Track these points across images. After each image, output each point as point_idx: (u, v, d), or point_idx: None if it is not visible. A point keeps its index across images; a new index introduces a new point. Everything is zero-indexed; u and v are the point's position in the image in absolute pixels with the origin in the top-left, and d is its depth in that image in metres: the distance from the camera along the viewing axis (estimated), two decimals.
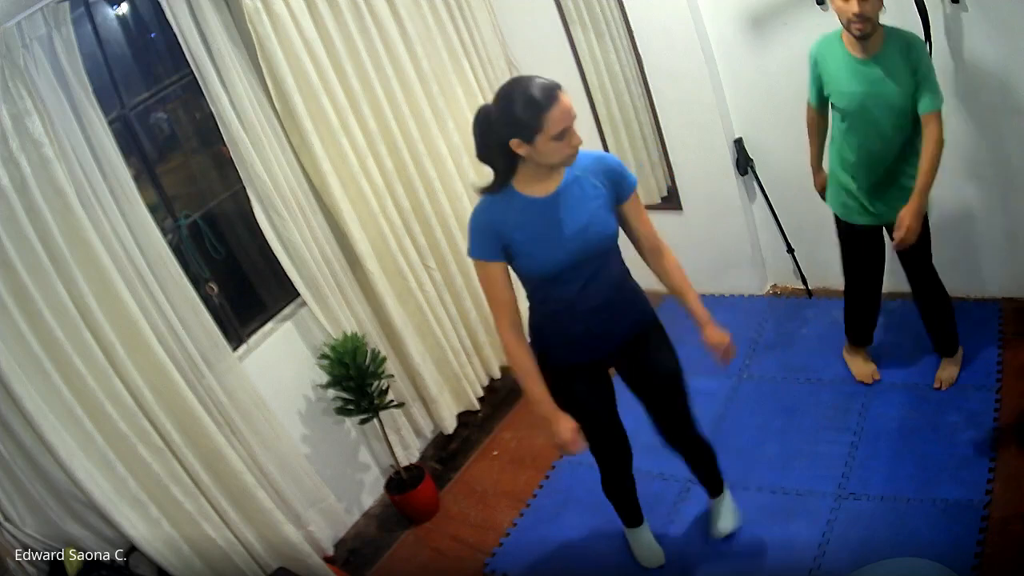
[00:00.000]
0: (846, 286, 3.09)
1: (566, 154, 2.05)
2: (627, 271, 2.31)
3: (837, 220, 2.94)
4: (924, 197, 2.61)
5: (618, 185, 2.18)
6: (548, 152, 2.03)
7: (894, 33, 2.54)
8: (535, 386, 2.21)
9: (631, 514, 2.74)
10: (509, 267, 2.19)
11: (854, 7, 2.41)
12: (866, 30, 2.46)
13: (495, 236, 2.12)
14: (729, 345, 2.27)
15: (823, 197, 3.01)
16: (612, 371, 2.47)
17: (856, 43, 2.54)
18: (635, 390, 2.47)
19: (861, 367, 3.19)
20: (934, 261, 2.88)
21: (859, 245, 2.93)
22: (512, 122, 1.98)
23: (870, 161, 2.70)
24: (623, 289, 2.29)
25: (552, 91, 1.96)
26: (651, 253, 2.30)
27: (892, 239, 2.72)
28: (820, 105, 2.82)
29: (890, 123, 2.59)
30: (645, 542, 2.77)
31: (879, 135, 2.63)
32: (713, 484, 2.73)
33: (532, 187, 2.13)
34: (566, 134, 2.00)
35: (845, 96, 2.63)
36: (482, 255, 2.15)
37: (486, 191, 2.16)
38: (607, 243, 2.18)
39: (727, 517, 2.73)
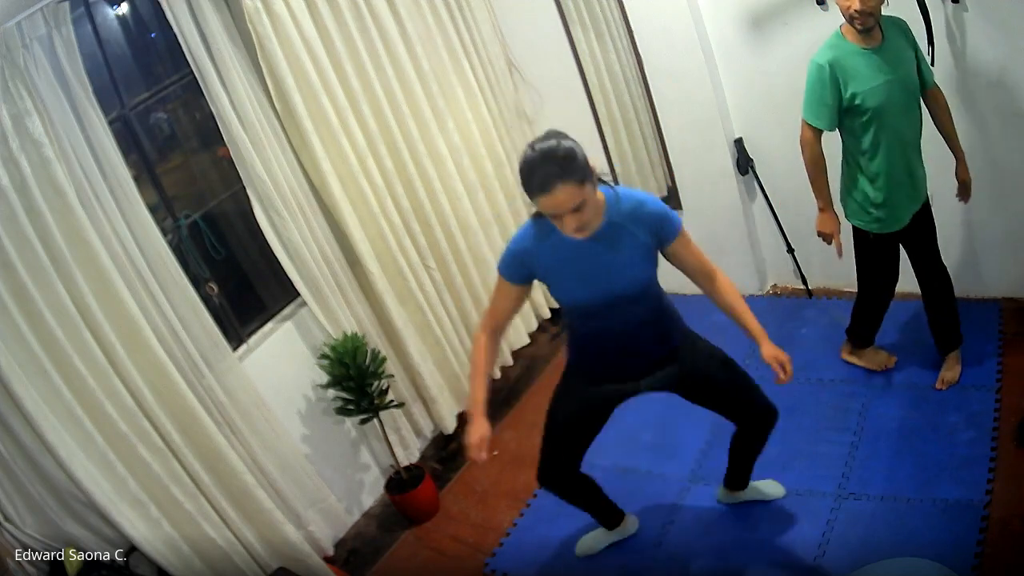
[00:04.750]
0: (866, 293, 3.05)
1: (566, 232, 2.04)
2: (663, 304, 2.31)
3: (861, 233, 2.85)
4: (961, 151, 2.80)
5: (661, 232, 2.15)
6: (549, 218, 2.05)
7: (889, 19, 2.62)
8: (475, 384, 2.30)
9: (602, 517, 2.78)
10: (526, 292, 2.27)
11: (856, 4, 2.45)
12: (869, 24, 2.50)
13: (522, 265, 2.20)
14: (787, 361, 2.24)
15: (829, 241, 2.90)
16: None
17: (861, 35, 2.57)
18: (703, 403, 2.47)
19: (874, 358, 3.20)
20: None
21: (891, 252, 2.90)
22: (520, 181, 2.00)
23: (904, 150, 2.69)
24: (656, 326, 2.30)
25: (549, 180, 1.90)
26: (704, 280, 2.29)
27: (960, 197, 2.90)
28: (834, 124, 2.69)
29: (913, 105, 2.67)
30: (600, 540, 2.84)
31: (909, 119, 2.67)
32: (742, 475, 2.72)
33: None
34: (560, 219, 1.98)
35: (874, 91, 2.58)
36: (504, 274, 2.23)
37: (535, 214, 2.17)
38: (633, 289, 2.18)
39: (766, 486, 2.78)
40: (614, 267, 2.14)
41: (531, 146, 1.96)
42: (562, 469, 2.55)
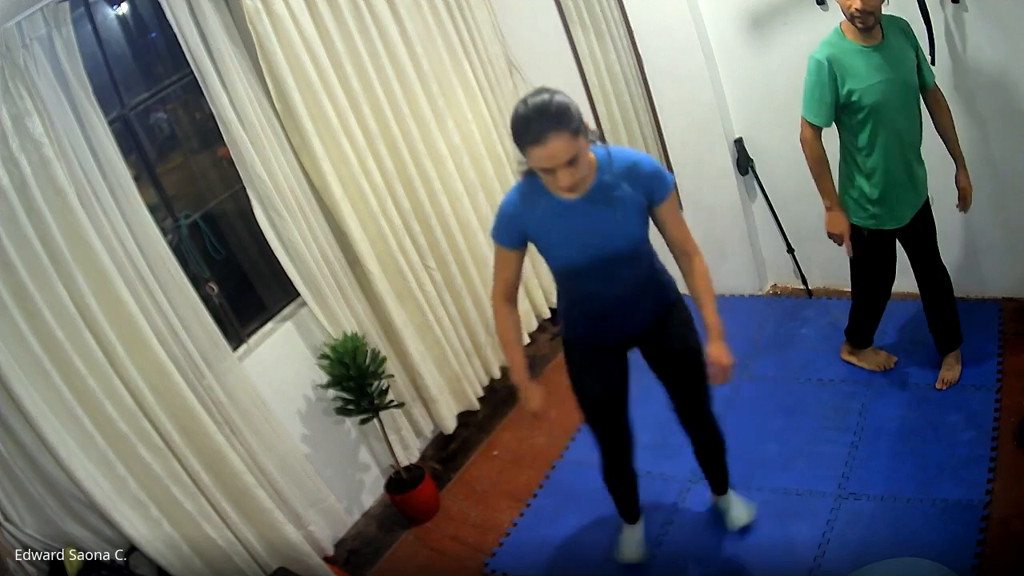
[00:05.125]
0: (861, 293, 3.06)
1: (555, 188, 2.03)
2: (656, 265, 2.30)
3: (857, 230, 2.85)
4: (962, 156, 2.78)
5: (652, 189, 2.13)
6: (540, 176, 2.03)
7: (885, 18, 2.62)
8: (513, 354, 2.33)
9: (628, 509, 2.76)
10: (524, 253, 2.25)
11: (857, 3, 2.47)
12: (869, 23, 2.52)
13: (514, 227, 2.18)
14: (727, 368, 2.23)
15: (844, 238, 2.87)
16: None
17: (861, 34, 2.58)
18: (654, 368, 2.47)
19: (873, 359, 3.21)
20: None
21: (887, 251, 2.90)
22: (512, 136, 1.98)
23: (902, 149, 2.70)
24: (648, 284, 2.29)
25: (543, 131, 1.87)
26: (681, 256, 2.28)
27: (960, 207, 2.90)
28: (831, 120, 2.70)
29: (913, 103, 2.67)
30: (633, 540, 2.78)
31: (908, 118, 2.67)
32: (719, 479, 2.73)
33: None
34: (551, 172, 1.95)
35: (872, 89, 2.59)
36: (498, 239, 2.22)
37: (525, 173, 2.15)
38: (628, 248, 2.17)
39: (739, 507, 2.74)
40: (607, 226, 2.12)
41: (523, 101, 1.93)
42: (620, 447, 2.54)
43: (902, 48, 2.62)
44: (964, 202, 2.89)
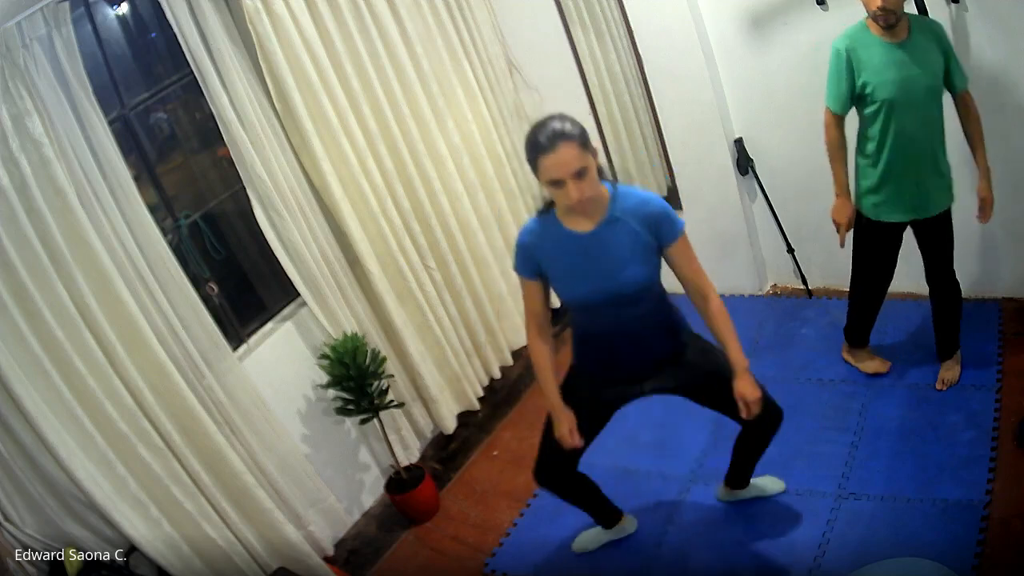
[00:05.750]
0: (858, 288, 3.06)
1: (565, 203, 2.06)
2: (666, 304, 2.32)
3: (861, 218, 2.86)
4: (987, 166, 2.72)
5: (660, 231, 2.15)
6: (550, 193, 2.09)
7: (916, 18, 2.62)
8: (547, 382, 2.38)
9: (600, 516, 2.80)
10: (546, 284, 2.29)
11: (879, 1, 2.48)
12: (891, 21, 2.53)
13: (530, 258, 2.24)
14: (754, 402, 2.24)
15: (843, 228, 2.89)
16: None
17: (885, 29, 2.58)
18: (693, 399, 2.47)
19: (867, 363, 3.21)
20: None
21: (884, 243, 2.90)
22: (525, 153, 2.06)
23: (913, 151, 2.69)
24: (657, 325, 2.31)
25: (555, 139, 1.97)
26: (695, 296, 2.28)
27: (979, 217, 2.83)
28: (847, 108, 2.72)
29: (930, 106, 2.65)
30: (595, 537, 2.85)
31: (921, 120, 2.66)
32: (744, 474, 2.73)
33: (571, 219, 2.17)
34: (561, 184, 2.00)
35: (887, 84, 2.60)
36: (519, 271, 2.29)
37: (538, 211, 2.24)
38: (636, 288, 2.18)
39: (767, 481, 2.79)
40: (613, 263, 2.15)
41: (535, 123, 2.05)
42: (559, 469, 2.56)
43: (928, 50, 2.59)
44: (983, 211, 2.82)
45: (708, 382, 2.37)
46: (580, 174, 1.99)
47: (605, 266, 2.15)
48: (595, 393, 2.41)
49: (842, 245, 2.93)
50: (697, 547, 2.76)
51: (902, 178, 2.72)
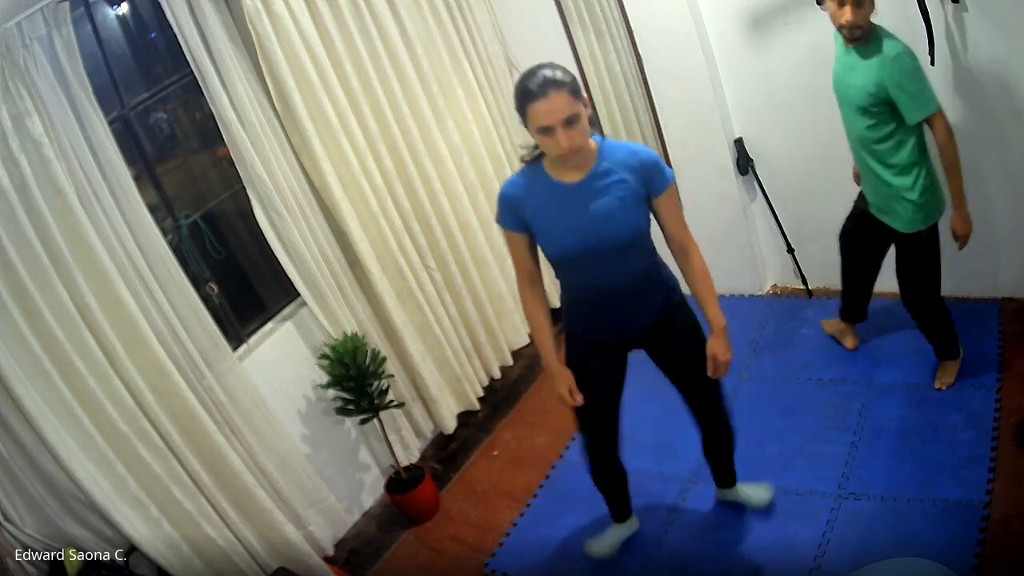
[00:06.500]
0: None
1: (555, 152, 2.04)
2: (656, 261, 2.30)
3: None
4: (958, 198, 2.67)
5: (651, 180, 2.14)
6: (540, 143, 2.07)
7: (883, 41, 2.55)
8: (543, 340, 2.35)
9: (617, 507, 2.79)
10: (532, 237, 2.25)
11: (847, 16, 2.52)
12: (854, 34, 2.58)
13: (514, 210, 2.20)
14: (724, 363, 2.28)
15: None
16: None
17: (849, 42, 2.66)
18: (662, 369, 2.47)
19: (835, 328, 3.40)
20: None
21: (855, 219, 3.02)
22: (515, 102, 2.05)
23: (850, 144, 2.83)
24: (648, 280, 2.29)
25: (545, 85, 1.96)
26: (678, 252, 2.29)
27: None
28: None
29: (850, 113, 2.72)
30: (611, 538, 2.82)
31: (847, 121, 2.78)
32: (727, 472, 2.74)
33: (559, 171, 2.15)
34: (551, 132, 1.99)
35: (833, 76, 2.77)
36: (503, 224, 2.25)
37: (524, 160, 2.21)
38: (625, 237, 2.16)
39: (755, 490, 2.78)
40: (603, 213, 2.12)
41: (525, 71, 2.03)
42: (606, 440, 2.54)
43: (864, 66, 2.57)
44: (957, 242, 2.76)
45: (678, 350, 2.38)
46: (570, 121, 1.98)
47: (594, 217, 2.12)
48: (595, 355, 2.39)
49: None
50: (697, 547, 2.76)
51: (862, 169, 2.84)
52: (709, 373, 2.30)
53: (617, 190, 2.12)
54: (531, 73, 2.00)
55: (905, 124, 2.59)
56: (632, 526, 2.85)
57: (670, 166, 3.79)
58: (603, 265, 2.18)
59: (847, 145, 2.86)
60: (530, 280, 2.33)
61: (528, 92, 1.98)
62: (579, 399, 2.33)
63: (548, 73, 1.97)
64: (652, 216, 2.23)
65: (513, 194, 2.20)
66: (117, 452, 2.53)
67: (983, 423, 2.80)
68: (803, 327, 3.61)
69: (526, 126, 2.05)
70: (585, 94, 2.06)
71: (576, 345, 2.42)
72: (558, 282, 2.41)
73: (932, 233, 2.77)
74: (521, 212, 2.19)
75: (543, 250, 2.26)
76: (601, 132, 2.28)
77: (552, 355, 2.35)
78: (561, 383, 2.34)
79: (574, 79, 2.02)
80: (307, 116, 3.03)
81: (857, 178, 3.01)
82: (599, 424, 2.51)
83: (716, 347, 2.27)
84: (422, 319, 3.45)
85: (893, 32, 2.61)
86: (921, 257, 2.83)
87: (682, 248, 2.26)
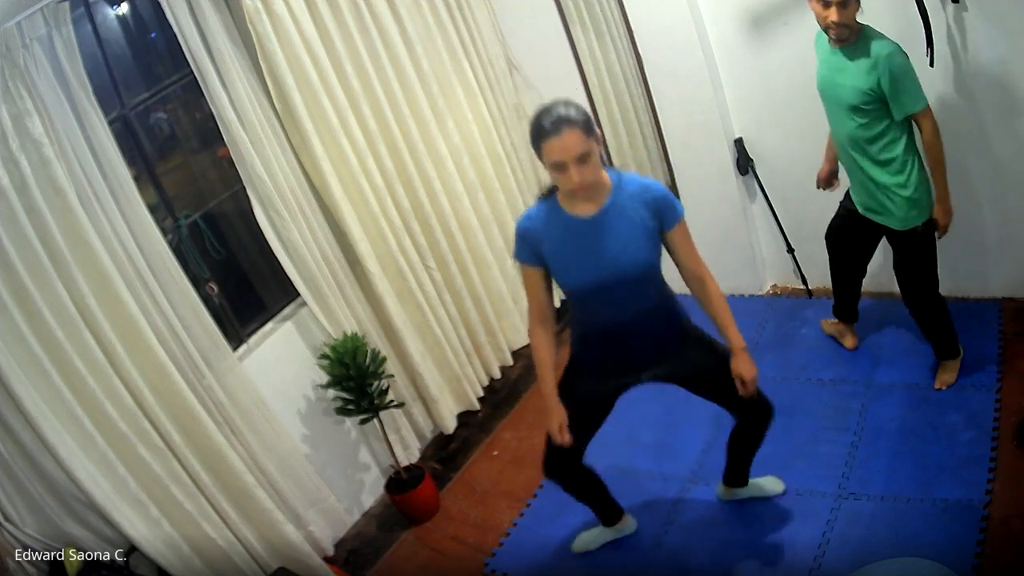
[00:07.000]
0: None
1: (567, 187, 2.09)
2: (667, 293, 2.33)
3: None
4: (943, 191, 2.71)
5: (663, 214, 2.19)
6: (553, 177, 2.12)
7: (873, 41, 2.58)
8: (545, 374, 2.37)
9: (603, 514, 2.79)
10: (548, 271, 2.28)
11: (833, 15, 2.53)
12: (842, 35, 2.59)
13: (530, 244, 2.25)
14: (751, 380, 2.30)
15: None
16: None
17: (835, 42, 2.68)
18: (692, 391, 2.49)
19: (833, 328, 3.42)
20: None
21: (841, 217, 3.05)
22: (530, 138, 2.10)
23: (838, 145, 2.85)
24: (658, 314, 2.31)
25: (559, 123, 2.01)
26: (694, 282, 2.32)
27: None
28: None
29: (840, 113, 2.73)
30: (596, 537, 2.84)
31: (836, 122, 2.79)
32: (740, 471, 2.73)
33: (573, 204, 2.19)
34: (564, 168, 2.04)
35: (818, 78, 2.80)
36: (519, 258, 2.30)
37: (539, 197, 2.27)
38: (639, 272, 2.20)
39: (767, 482, 2.79)
40: (616, 247, 2.16)
41: (539, 108, 2.09)
42: (566, 460, 2.55)
43: (855, 66, 2.60)
44: (938, 232, 2.80)
45: (708, 373, 2.39)
46: (583, 158, 2.03)
47: (608, 251, 2.17)
48: (595, 385, 2.41)
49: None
50: (697, 547, 2.76)
51: (848, 168, 2.87)
52: (740, 393, 2.31)
53: (630, 225, 2.17)
54: (546, 111, 2.05)
55: (896, 121, 2.63)
56: (623, 529, 2.85)
57: (670, 167, 3.81)
58: (615, 298, 2.22)
59: None
60: (541, 317, 2.35)
61: (542, 129, 2.04)
62: (567, 439, 2.35)
63: (562, 111, 2.03)
64: (665, 249, 2.26)
65: (531, 228, 2.24)
66: (117, 452, 2.53)
67: (983, 423, 2.80)
68: (803, 327, 3.61)
69: (540, 160, 2.11)
70: (598, 130, 2.12)
71: (577, 373, 2.45)
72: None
73: (928, 229, 2.78)
74: (538, 246, 2.23)
75: (558, 283, 2.30)
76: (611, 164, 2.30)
77: (552, 390, 2.37)
78: (554, 420, 2.36)
79: (587, 117, 2.07)
80: (307, 116, 3.03)
81: (823, 180, 3.13)
82: (561, 454, 2.48)
83: (740, 367, 2.29)
84: (422, 319, 3.45)
85: (893, 33, 2.61)
86: (919, 254, 2.84)
87: (697, 277, 2.30)
